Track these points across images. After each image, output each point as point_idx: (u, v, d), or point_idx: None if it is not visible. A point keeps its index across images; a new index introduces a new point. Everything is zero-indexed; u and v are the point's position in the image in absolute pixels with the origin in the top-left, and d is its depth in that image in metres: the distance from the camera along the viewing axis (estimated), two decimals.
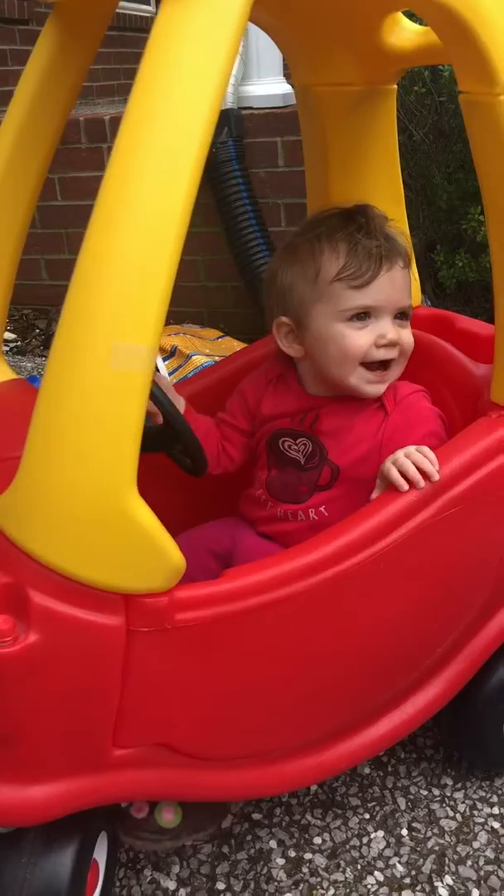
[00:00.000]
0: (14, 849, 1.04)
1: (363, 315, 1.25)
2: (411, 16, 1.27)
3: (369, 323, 1.25)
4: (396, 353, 1.27)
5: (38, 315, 3.50)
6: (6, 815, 1.00)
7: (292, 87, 2.87)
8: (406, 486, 1.11)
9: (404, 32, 1.29)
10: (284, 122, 2.97)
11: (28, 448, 0.91)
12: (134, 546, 0.92)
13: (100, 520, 0.90)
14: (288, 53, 1.41)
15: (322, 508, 1.30)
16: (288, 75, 3.05)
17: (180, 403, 1.40)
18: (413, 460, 1.12)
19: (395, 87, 1.43)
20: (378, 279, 1.24)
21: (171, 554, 0.94)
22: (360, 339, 1.25)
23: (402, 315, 1.28)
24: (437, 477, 1.12)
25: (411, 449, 1.14)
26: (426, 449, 1.14)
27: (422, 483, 1.11)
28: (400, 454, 1.14)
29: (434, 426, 1.29)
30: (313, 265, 1.26)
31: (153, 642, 0.97)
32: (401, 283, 1.27)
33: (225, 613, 1.00)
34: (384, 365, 1.28)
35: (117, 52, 5.37)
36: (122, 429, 0.87)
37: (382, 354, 1.26)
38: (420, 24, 1.26)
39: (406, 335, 1.28)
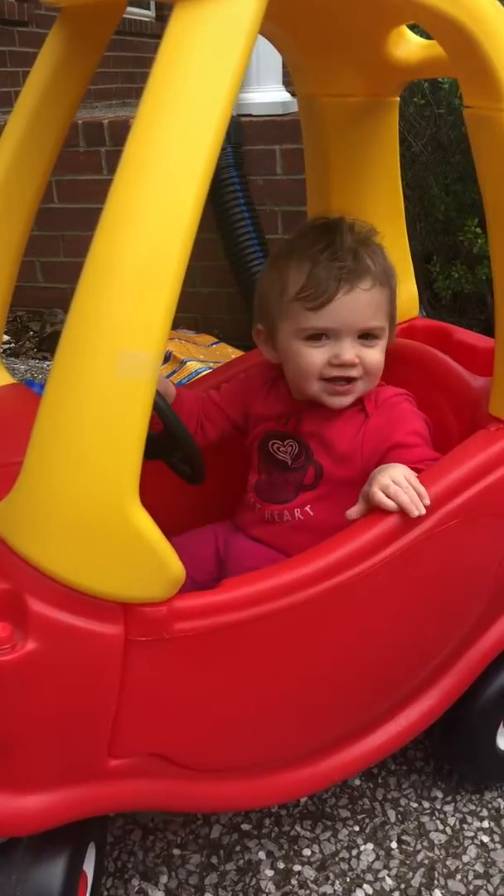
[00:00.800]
0: (5, 860, 1.03)
1: (319, 335, 1.25)
2: (413, 27, 1.28)
3: (326, 343, 1.25)
4: (357, 372, 1.26)
5: (33, 317, 3.49)
6: (0, 825, 0.99)
7: (292, 95, 2.87)
8: (396, 507, 1.09)
9: (409, 45, 1.29)
10: (283, 130, 2.98)
11: (30, 454, 0.90)
12: (134, 555, 0.91)
13: (100, 528, 0.89)
14: (292, 63, 1.41)
15: (307, 508, 1.30)
16: (288, 83, 3.05)
17: (170, 392, 1.41)
18: (403, 489, 1.09)
19: (398, 98, 1.44)
20: (334, 302, 1.22)
21: (170, 564, 0.93)
22: (314, 357, 1.25)
23: (366, 335, 1.26)
24: (428, 502, 1.10)
25: (398, 476, 1.11)
26: (413, 478, 1.11)
27: (415, 512, 1.08)
28: (387, 479, 1.10)
29: (417, 426, 1.28)
30: (280, 280, 1.27)
31: (151, 652, 0.96)
32: (363, 305, 1.24)
33: (223, 624, 1.00)
34: (348, 380, 1.27)
35: (115, 55, 5.37)
36: (125, 437, 0.87)
37: (337, 373, 1.25)
38: (425, 37, 1.26)
39: (369, 355, 1.26)
